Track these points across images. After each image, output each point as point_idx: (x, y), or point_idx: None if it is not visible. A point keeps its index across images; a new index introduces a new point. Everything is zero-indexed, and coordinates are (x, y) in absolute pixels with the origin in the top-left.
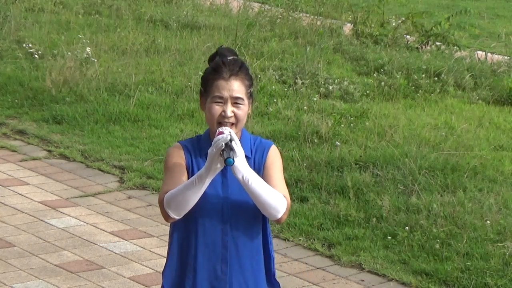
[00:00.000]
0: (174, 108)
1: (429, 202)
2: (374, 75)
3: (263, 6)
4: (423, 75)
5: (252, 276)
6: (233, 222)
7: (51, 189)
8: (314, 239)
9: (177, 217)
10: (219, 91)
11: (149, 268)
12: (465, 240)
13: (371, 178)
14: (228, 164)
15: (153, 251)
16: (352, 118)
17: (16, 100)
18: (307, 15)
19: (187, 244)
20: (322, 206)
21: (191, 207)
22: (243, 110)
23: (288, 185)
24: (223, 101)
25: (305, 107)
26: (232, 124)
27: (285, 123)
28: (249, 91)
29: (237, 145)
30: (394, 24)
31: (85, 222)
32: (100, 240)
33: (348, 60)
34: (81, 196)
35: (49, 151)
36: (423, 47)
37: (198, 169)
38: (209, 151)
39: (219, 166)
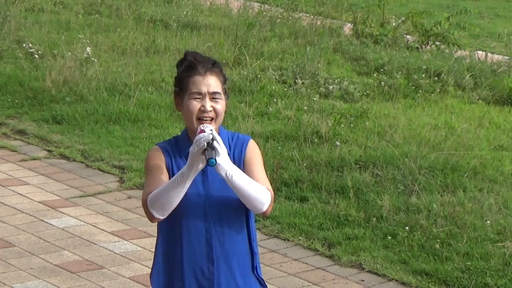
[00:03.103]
0: (174, 108)
1: (429, 202)
2: (374, 75)
3: (263, 6)
4: (423, 75)
5: (240, 273)
6: (217, 220)
7: (51, 189)
8: (314, 239)
9: (162, 217)
10: (197, 87)
11: (149, 268)
12: (465, 240)
13: (371, 178)
14: (210, 164)
15: (153, 251)
16: (352, 118)
17: (16, 100)
18: (307, 15)
19: (173, 246)
20: (322, 206)
21: (175, 206)
22: (222, 105)
23: (288, 185)
24: (201, 96)
25: (305, 107)
26: (212, 119)
27: (285, 123)
28: (224, 87)
29: (219, 144)
30: (394, 24)
31: (85, 222)
32: (100, 240)
33: (348, 60)
34: (81, 196)
35: (49, 151)
36: (423, 47)
37: (178, 170)
38: (190, 149)
39: (201, 166)
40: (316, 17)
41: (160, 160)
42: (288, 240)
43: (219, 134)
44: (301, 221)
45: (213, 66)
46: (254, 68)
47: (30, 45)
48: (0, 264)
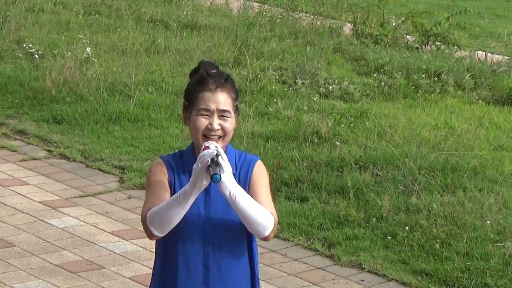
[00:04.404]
0: (174, 108)
1: (429, 202)
2: (374, 75)
3: (263, 6)
4: (423, 75)
5: None
6: (216, 243)
7: (51, 189)
8: (314, 239)
9: (161, 235)
10: (205, 103)
11: (149, 268)
12: (465, 240)
13: (371, 178)
14: (214, 181)
15: (153, 251)
16: (352, 118)
17: (16, 100)
18: (307, 15)
19: (168, 265)
20: (322, 206)
21: (175, 225)
22: (230, 123)
23: (288, 185)
24: (209, 113)
25: (305, 107)
26: (219, 137)
27: (285, 123)
28: (235, 104)
29: (224, 161)
30: (394, 24)
31: (85, 222)
32: (100, 240)
33: (348, 60)
34: (81, 196)
35: (49, 151)
36: (423, 47)
37: (181, 187)
38: (194, 166)
39: (205, 183)
40: (316, 17)
41: (163, 175)
42: (288, 240)
43: (226, 153)
44: (301, 221)
45: (225, 81)
46: (254, 68)
47: (30, 45)
48: (0, 264)
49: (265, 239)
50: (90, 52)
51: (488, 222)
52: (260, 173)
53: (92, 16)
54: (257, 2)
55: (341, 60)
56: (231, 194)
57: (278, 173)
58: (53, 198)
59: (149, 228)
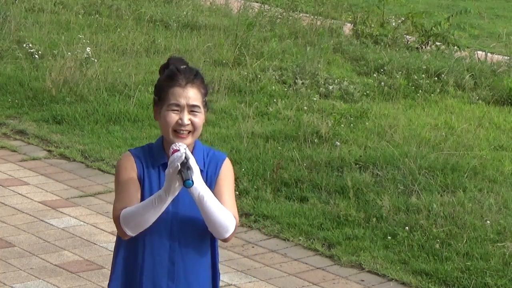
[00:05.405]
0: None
1: (429, 202)
2: (374, 75)
3: (263, 6)
4: (423, 75)
5: None
6: (182, 239)
7: (51, 189)
8: (314, 239)
9: (134, 235)
10: (176, 99)
11: None
12: (465, 240)
13: (371, 178)
14: (187, 186)
15: None
16: (352, 118)
17: (16, 100)
18: (307, 15)
19: (134, 259)
20: (322, 206)
21: (149, 225)
22: (200, 118)
23: (288, 185)
24: (179, 108)
25: (305, 107)
26: (189, 132)
27: (285, 123)
28: (204, 99)
29: (193, 163)
30: (394, 24)
31: (85, 222)
32: (100, 240)
33: (348, 60)
34: (81, 196)
35: (49, 151)
36: (423, 47)
37: (150, 181)
38: (166, 172)
39: (178, 185)
40: (316, 17)
41: (132, 170)
42: (288, 240)
43: (195, 149)
44: (301, 221)
45: (195, 77)
46: (254, 68)
47: (30, 45)
48: (0, 264)
49: (225, 240)
50: (90, 52)
51: (488, 222)
52: (227, 173)
53: (92, 16)
54: (257, 2)
55: (341, 60)
56: (199, 196)
57: (278, 173)
58: (53, 198)
59: (123, 228)
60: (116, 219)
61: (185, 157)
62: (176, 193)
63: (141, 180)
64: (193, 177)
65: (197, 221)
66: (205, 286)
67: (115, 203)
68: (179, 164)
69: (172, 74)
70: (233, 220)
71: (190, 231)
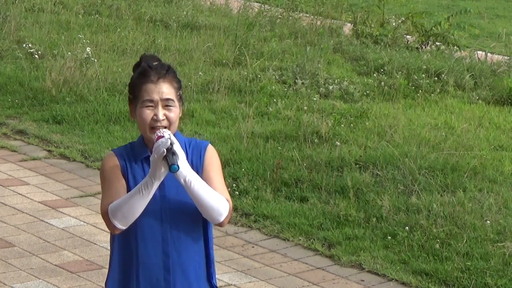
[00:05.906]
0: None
1: (429, 202)
2: (374, 75)
3: (263, 6)
4: (423, 75)
5: (196, 281)
6: (173, 226)
7: (51, 189)
8: (314, 239)
9: (124, 227)
10: (149, 95)
11: None
12: (465, 240)
13: (371, 178)
14: (172, 171)
15: None
16: (352, 118)
17: (16, 100)
18: (307, 15)
19: (128, 254)
20: (322, 206)
21: (138, 215)
22: (175, 112)
23: (288, 185)
24: (153, 104)
25: (305, 107)
26: (165, 127)
27: (285, 123)
28: (178, 93)
29: (178, 148)
30: (394, 24)
31: (85, 222)
32: (100, 240)
33: (348, 60)
34: (81, 196)
35: (49, 151)
36: (423, 47)
37: (134, 176)
38: (151, 158)
39: (164, 171)
40: (316, 17)
41: (115, 166)
42: (288, 240)
43: None
44: (301, 221)
45: (167, 72)
46: (254, 68)
47: (30, 45)
48: (0, 264)
49: (220, 225)
50: (90, 52)
51: (488, 222)
52: (212, 158)
53: (92, 16)
54: (257, 2)
55: (341, 60)
56: (186, 180)
57: (278, 173)
58: (53, 198)
59: (112, 222)
60: (105, 214)
61: (170, 143)
62: (162, 178)
63: (125, 176)
64: (178, 162)
65: (187, 206)
66: (201, 272)
67: (102, 200)
68: (165, 150)
69: (144, 71)
70: (225, 203)
71: (180, 217)
